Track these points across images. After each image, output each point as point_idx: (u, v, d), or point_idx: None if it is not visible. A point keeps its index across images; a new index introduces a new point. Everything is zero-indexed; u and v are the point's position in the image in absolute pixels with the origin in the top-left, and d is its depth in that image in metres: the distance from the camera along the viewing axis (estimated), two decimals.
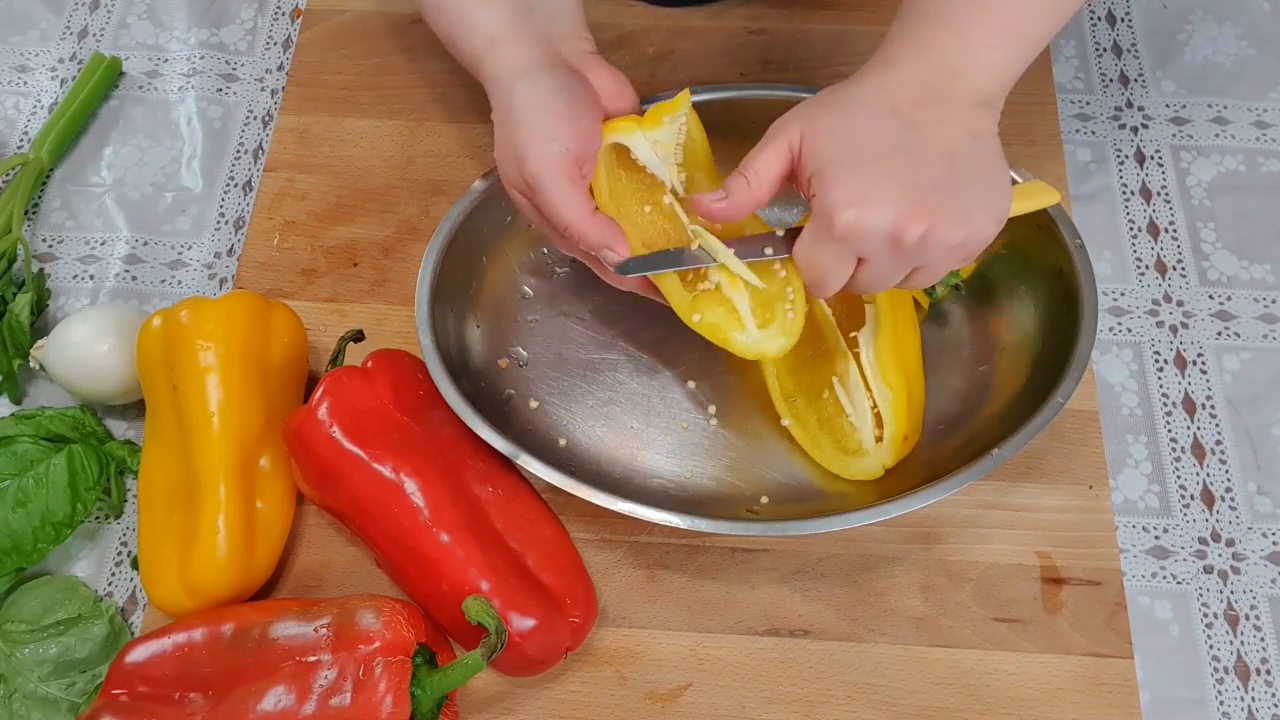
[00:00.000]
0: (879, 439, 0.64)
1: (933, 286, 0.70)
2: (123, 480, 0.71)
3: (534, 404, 0.69)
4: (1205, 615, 0.65)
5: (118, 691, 0.58)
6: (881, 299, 0.65)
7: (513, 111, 0.61)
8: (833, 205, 0.54)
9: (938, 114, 0.56)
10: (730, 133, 0.73)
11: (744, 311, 0.61)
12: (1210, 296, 0.75)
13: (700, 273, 0.62)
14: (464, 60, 0.66)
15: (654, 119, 0.64)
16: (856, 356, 0.65)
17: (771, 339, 0.60)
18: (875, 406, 0.64)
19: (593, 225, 0.60)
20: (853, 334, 0.65)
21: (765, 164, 0.58)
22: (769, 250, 0.60)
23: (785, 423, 0.67)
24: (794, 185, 0.59)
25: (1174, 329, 0.74)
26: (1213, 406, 0.71)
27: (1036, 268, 0.68)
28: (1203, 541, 0.67)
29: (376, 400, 0.63)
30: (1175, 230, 0.78)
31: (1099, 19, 0.87)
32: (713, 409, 0.69)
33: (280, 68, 0.87)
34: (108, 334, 0.70)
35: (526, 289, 0.73)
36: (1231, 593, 0.66)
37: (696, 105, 0.72)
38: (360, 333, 0.68)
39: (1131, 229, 0.78)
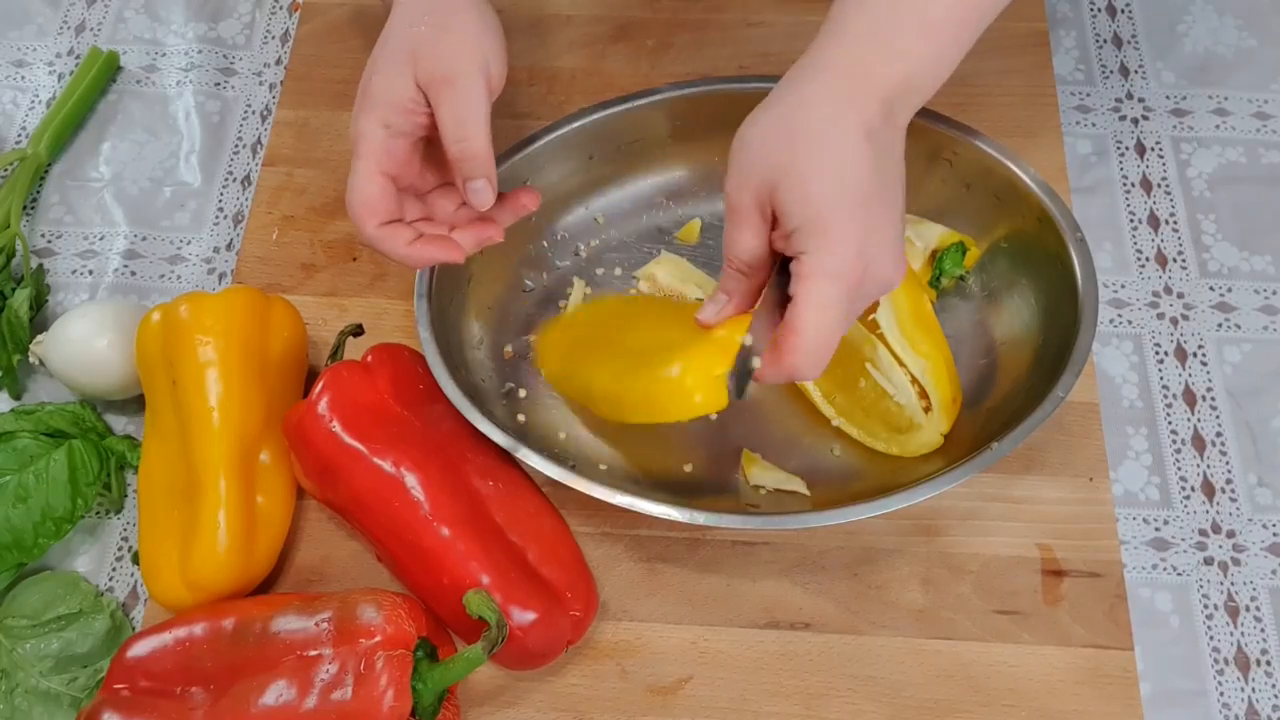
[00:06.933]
0: (927, 410, 0.65)
1: (938, 278, 0.70)
2: (123, 475, 0.71)
3: (534, 397, 0.69)
4: (1205, 607, 0.65)
5: (119, 686, 0.58)
6: None
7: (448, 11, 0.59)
8: (842, 261, 0.50)
9: (894, 136, 0.53)
10: (727, 127, 0.73)
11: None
12: (1211, 288, 0.75)
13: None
14: None
15: None
16: (881, 338, 0.65)
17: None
18: (914, 381, 0.65)
19: (487, 143, 0.58)
20: (871, 317, 0.66)
21: (747, 246, 0.53)
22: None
23: (836, 423, 0.67)
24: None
25: (1174, 321, 0.74)
26: (1213, 398, 0.71)
27: (1037, 261, 0.68)
28: (1203, 533, 0.67)
29: (376, 394, 0.63)
30: (1176, 222, 0.77)
31: (1099, 10, 0.87)
32: None
33: (278, 62, 0.87)
34: (107, 329, 0.70)
35: (527, 282, 0.73)
36: (1232, 584, 0.66)
37: (694, 99, 0.72)
38: (360, 327, 0.68)
39: (1132, 221, 0.78)
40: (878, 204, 0.51)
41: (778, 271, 0.54)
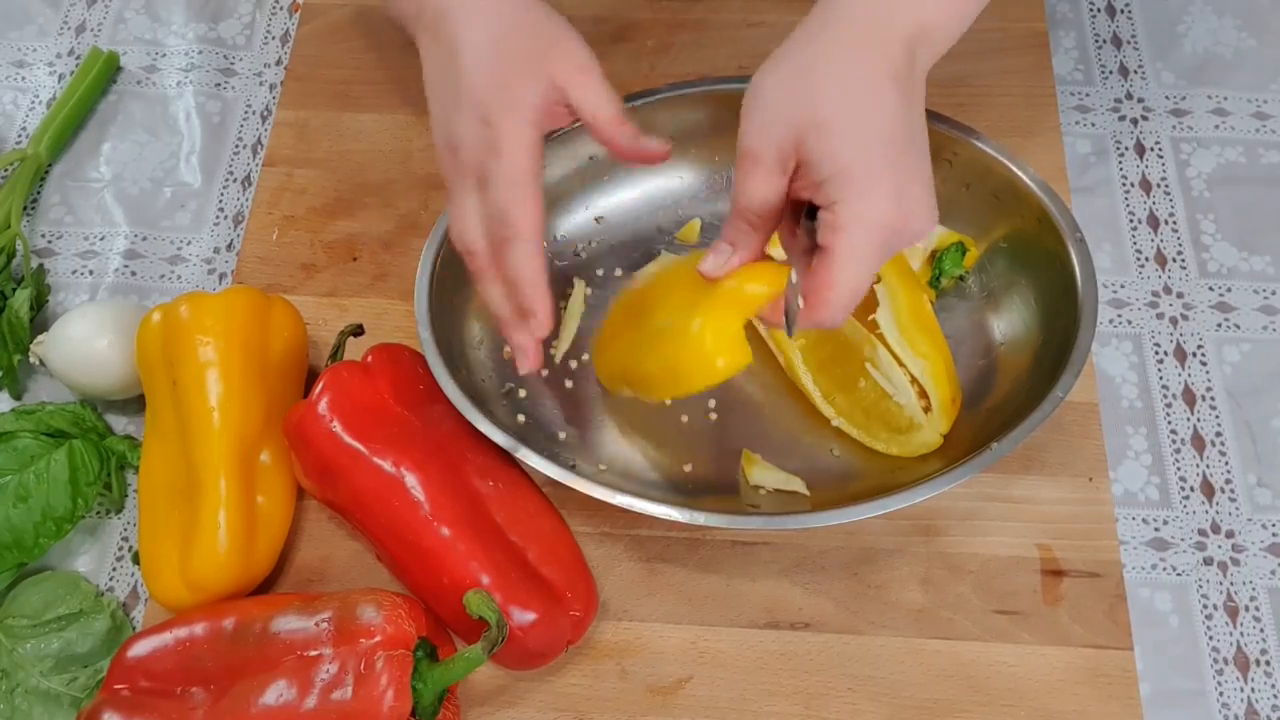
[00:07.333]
0: (927, 410, 0.65)
1: (937, 279, 0.70)
2: (123, 475, 0.71)
3: (534, 397, 0.69)
4: (1205, 607, 0.65)
5: (119, 686, 0.58)
6: (888, 277, 0.65)
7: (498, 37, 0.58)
8: (879, 210, 0.48)
9: (917, 83, 0.51)
10: (727, 127, 0.73)
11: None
12: (1210, 288, 0.75)
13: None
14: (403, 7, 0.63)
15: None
16: (881, 338, 0.66)
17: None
18: (913, 381, 0.65)
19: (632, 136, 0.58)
20: (870, 317, 0.66)
21: (761, 195, 0.51)
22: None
23: (836, 423, 0.67)
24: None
25: (1174, 321, 0.74)
26: (1212, 398, 0.71)
27: (1036, 261, 0.68)
28: (1202, 533, 0.67)
29: (376, 395, 0.63)
30: (1175, 222, 0.77)
31: (1099, 10, 0.87)
32: (712, 402, 0.69)
33: (279, 62, 0.87)
34: (107, 329, 0.70)
35: None
36: (1231, 584, 0.66)
37: (694, 99, 0.72)
38: (360, 327, 0.68)
39: (1131, 221, 0.78)
40: (909, 151, 0.50)
41: (805, 218, 0.53)
